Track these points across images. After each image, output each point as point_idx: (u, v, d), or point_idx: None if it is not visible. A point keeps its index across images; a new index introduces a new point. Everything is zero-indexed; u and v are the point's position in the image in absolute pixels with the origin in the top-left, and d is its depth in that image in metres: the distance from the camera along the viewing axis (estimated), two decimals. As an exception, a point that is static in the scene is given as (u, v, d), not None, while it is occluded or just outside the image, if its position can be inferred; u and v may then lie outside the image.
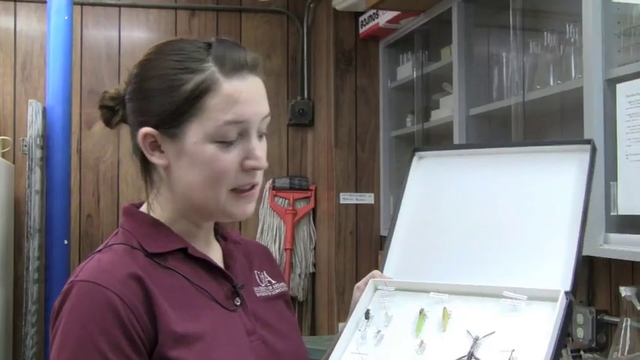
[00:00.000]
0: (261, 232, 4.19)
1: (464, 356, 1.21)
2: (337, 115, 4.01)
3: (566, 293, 1.23)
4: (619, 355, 1.94)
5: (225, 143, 1.16)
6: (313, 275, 4.23)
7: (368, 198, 3.95)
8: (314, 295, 4.24)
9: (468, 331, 1.25)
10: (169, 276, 1.18)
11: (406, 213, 1.48)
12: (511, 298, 1.25)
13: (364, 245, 3.97)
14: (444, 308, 1.30)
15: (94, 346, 1.08)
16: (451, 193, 1.46)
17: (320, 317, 4.18)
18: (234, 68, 1.16)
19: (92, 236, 4.00)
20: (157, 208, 1.24)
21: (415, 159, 1.53)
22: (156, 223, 1.23)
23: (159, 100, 1.16)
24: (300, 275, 4.18)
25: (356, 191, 3.97)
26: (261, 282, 1.32)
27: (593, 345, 2.30)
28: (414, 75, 3.56)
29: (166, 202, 1.23)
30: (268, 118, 1.20)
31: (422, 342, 1.27)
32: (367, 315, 1.35)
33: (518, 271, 1.31)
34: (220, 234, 1.33)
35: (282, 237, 4.18)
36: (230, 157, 1.16)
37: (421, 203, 1.48)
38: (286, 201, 4.20)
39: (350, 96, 4.02)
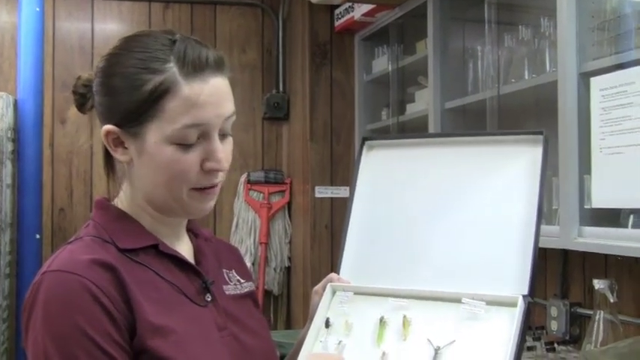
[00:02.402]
0: (236, 226, 4.16)
1: None
2: (312, 109, 3.99)
3: (524, 297, 1.22)
4: (592, 348, 1.95)
5: (184, 145, 1.15)
6: (288, 269, 4.22)
7: (343, 192, 3.94)
8: (289, 289, 4.22)
9: (429, 341, 1.24)
10: (141, 271, 1.17)
11: (359, 209, 1.46)
12: (470, 304, 1.24)
13: (340, 239, 3.94)
14: (404, 316, 1.29)
15: (84, 335, 1.07)
16: (403, 187, 1.44)
17: (295, 311, 4.17)
18: (195, 69, 1.14)
19: (65, 230, 3.95)
20: (125, 203, 1.24)
21: (365, 149, 1.50)
22: (128, 219, 1.22)
23: (121, 98, 1.16)
24: (275, 269, 4.16)
25: (331, 185, 3.96)
26: (230, 281, 1.32)
27: (567, 337, 2.31)
28: (390, 68, 3.56)
29: (131, 198, 1.23)
30: (233, 118, 1.19)
31: (384, 353, 1.26)
32: (327, 323, 1.33)
33: (475, 272, 1.30)
34: (192, 230, 1.32)
35: (257, 231, 4.15)
36: (190, 159, 1.15)
37: (373, 198, 1.46)
38: (261, 195, 4.18)
39: (325, 89, 4.00)
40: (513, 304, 1.22)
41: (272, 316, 4.17)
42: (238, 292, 1.32)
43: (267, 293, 4.15)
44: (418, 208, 1.40)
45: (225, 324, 1.22)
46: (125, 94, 1.15)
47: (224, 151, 1.18)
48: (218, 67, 1.17)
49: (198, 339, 1.16)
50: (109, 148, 1.20)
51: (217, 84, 1.16)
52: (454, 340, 1.23)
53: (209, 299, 1.23)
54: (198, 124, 1.14)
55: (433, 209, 1.39)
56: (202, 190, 1.19)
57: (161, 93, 1.13)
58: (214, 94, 1.15)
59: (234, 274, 1.34)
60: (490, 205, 1.35)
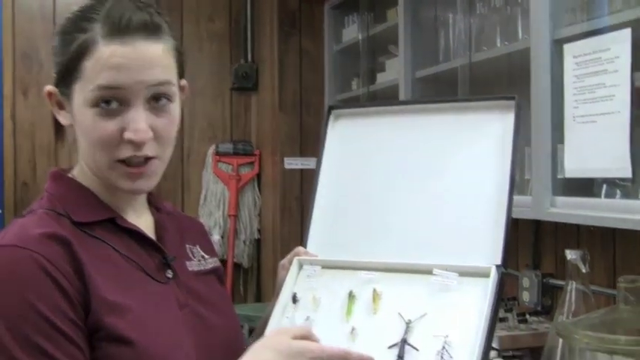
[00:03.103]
0: (205, 199, 4.12)
1: (397, 343, 1.17)
2: (281, 79, 3.95)
3: (497, 267, 1.19)
4: (564, 318, 1.93)
5: (104, 110, 1.10)
6: (258, 242, 4.18)
7: (313, 163, 3.86)
8: (259, 262, 4.19)
9: (400, 314, 1.20)
10: (97, 246, 1.12)
11: (326, 181, 1.42)
12: (441, 276, 1.21)
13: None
14: (374, 289, 1.25)
15: (35, 313, 1.02)
16: (371, 157, 1.40)
17: (265, 284, 4.14)
18: (116, 30, 1.09)
19: (28, 204, 3.85)
20: (81, 174, 1.19)
21: (332, 118, 1.46)
22: (83, 191, 1.17)
23: (56, 58, 1.14)
24: (244, 242, 4.13)
25: (301, 156, 3.94)
26: (193, 256, 1.28)
27: (539, 308, 2.30)
28: (360, 37, 3.50)
29: (83, 168, 1.18)
30: (166, 87, 1.13)
31: (353, 328, 1.22)
32: (294, 299, 1.29)
33: (447, 243, 1.27)
34: (153, 204, 1.26)
35: (226, 203, 4.11)
36: (109, 127, 1.10)
37: (340, 169, 1.42)
38: (230, 166, 4.13)
39: (294, 59, 3.95)
40: (486, 275, 1.18)
41: (242, 289, 4.15)
42: (202, 268, 1.27)
43: (237, 266, 4.12)
44: (387, 179, 1.36)
45: (187, 301, 1.18)
46: (59, 54, 1.14)
47: (151, 122, 1.12)
48: (148, 31, 1.11)
49: (157, 317, 1.11)
50: (54, 111, 1.18)
51: (143, 49, 1.10)
52: (426, 313, 1.19)
53: (170, 276, 1.18)
54: (113, 87, 1.09)
55: (403, 179, 1.35)
56: (128, 165, 1.13)
57: (82, 52, 1.09)
58: (136, 59, 1.09)
59: (198, 249, 1.30)
60: (461, 174, 1.31)
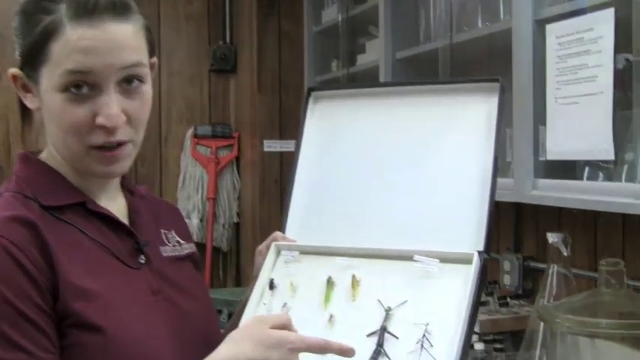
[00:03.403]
0: (183, 182, 4.09)
1: (376, 331, 1.14)
2: (260, 61, 3.91)
3: (480, 253, 1.16)
4: (545, 302, 1.91)
5: (74, 95, 1.06)
6: (237, 225, 4.16)
7: (293, 145, 3.85)
8: (238, 246, 4.17)
9: (380, 301, 1.17)
10: (67, 231, 1.08)
11: (305, 164, 1.39)
12: (422, 262, 1.18)
13: (289, 194, 3.90)
14: (353, 276, 1.22)
15: (1, 298, 0.98)
16: (352, 140, 1.36)
17: (244, 268, 4.11)
18: (83, 11, 1.04)
19: (3, 188, 3.79)
20: (50, 157, 1.15)
21: (311, 100, 1.42)
22: (53, 173, 1.13)
23: (19, 40, 1.10)
24: (223, 225, 4.10)
25: (280, 139, 3.91)
26: (168, 242, 1.24)
27: (520, 292, 2.28)
28: (339, 18, 3.45)
29: (52, 151, 1.14)
30: (137, 69, 1.09)
31: (331, 315, 1.20)
32: (271, 285, 1.26)
33: (428, 228, 1.24)
34: (127, 187, 1.22)
35: (205, 186, 4.08)
36: (80, 112, 1.06)
37: (320, 152, 1.38)
38: (208, 149, 4.09)
39: (273, 40, 3.91)
40: (468, 261, 1.15)
41: (221, 273, 4.12)
42: (177, 253, 1.24)
43: (216, 250, 4.09)
44: (368, 163, 1.33)
45: (161, 288, 1.14)
46: (22, 36, 1.09)
47: (123, 105, 1.08)
48: (117, 11, 1.06)
49: (129, 303, 1.08)
50: (19, 94, 1.13)
51: (112, 30, 1.06)
52: (406, 301, 1.16)
53: (143, 261, 1.14)
54: (82, 72, 1.05)
55: (383, 163, 1.32)
56: (103, 149, 1.09)
57: (48, 34, 1.05)
58: (105, 41, 1.05)
59: (174, 234, 1.26)
60: (444, 158, 1.28)
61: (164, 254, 1.21)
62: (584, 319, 1.63)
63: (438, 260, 1.17)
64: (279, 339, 1.01)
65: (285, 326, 1.05)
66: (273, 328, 1.03)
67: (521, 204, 2.22)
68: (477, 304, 1.13)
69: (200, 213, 4.05)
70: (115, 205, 1.19)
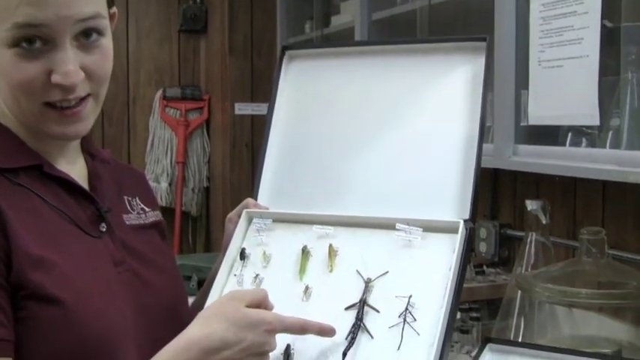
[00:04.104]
0: (152, 145, 4.02)
1: (355, 304, 1.08)
2: (232, 21, 3.84)
3: (466, 222, 1.10)
4: (523, 270, 1.88)
5: (25, 50, 0.97)
6: (207, 190, 4.11)
7: (264, 108, 3.76)
8: (208, 211, 4.12)
9: (359, 272, 1.11)
10: (22, 196, 1.00)
11: (278, 127, 1.31)
12: (405, 231, 1.11)
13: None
14: (330, 245, 1.15)
15: None
16: (328, 103, 1.29)
17: (214, 233, 4.06)
18: None
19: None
20: (2, 117, 1.06)
21: (285, 60, 1.34)
22: (6, 134, 1.05)
23: None
24: (193, 190, 4.05)
25: (252, 101, 3.84)
26: (132, 209, 1.16)
27: (496, 259, 2.25)
28: (313, -23, 3.37)
29: (4, 110, 1.05)
30: (96, 21, 1.00)
31: (307, 287, 1.12)
32: (242, 255, 1.19)
33: (409, 195, 1.17)
34: (87, 151, 1.14)
35: (174, 150, 4.02)
36: (33, 68, 0.97)
37: (294, 114, 1.31)
38: (178, 112, 4.02)
39: (245, 0, 3.80)
40: (454, 230, 1.09)
41: (190, 238, 4.08)
42: (141, 222, 1.16)
43: (185, 215, 4.03)
44: (345, 126, 1.26)
45: (123, 258, 1.07)
46: None
47: (81, 61, 0.99)
48: None
49: (89, 274, 1.00)
50: None
51: None
52: (387, 272, 1.10)
53: (104, 229, 1.06)
54: (34, 25, 0.95)
55: (362, 127, 1.25)
56: (59, 109, 1.01)
57: None
58: None
59: (138, 201, 1.18)
60: (426, 120, 1.21)
61: (127, 222, 1.13)
62: (564, 289, 1.60)
63: (421, 229, 1.11)
64: (255, 320, 0.95)
65: (262, 304, 0.98)
66: (249, 306, 0.97)
67: (499, 170, 2.18)
68: (462, 276, 1.07)
69: (169, 177, 3.99)
70: (75, 168, 1.10)
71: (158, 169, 3.99)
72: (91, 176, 1.11)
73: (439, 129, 1.19)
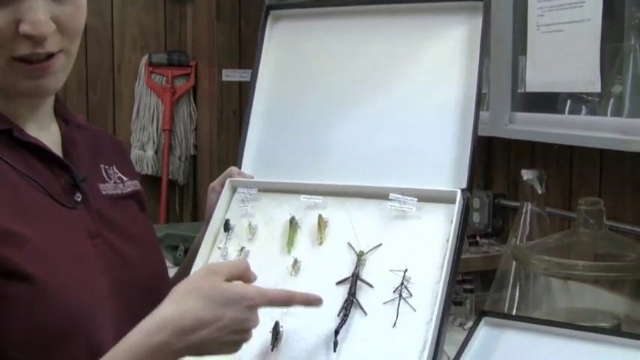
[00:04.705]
0: (137, 112, 3.94)
1: (347, 278, 1.02)
2: (219, -15, 3.75)
3: (463, 191, 1.04)
4: (518, 241, 1.84)
5: None
6: (194, 158, 4.04)
7: (252, 75, 3.72)
8: (195, 179, 4.06)
9: (350, 245, 1.05)
10: None
11: (264, 92, 1.25)
12: (399, 201, 1.05)
13: (248, 126, 3.79)
14: (320, 216, 1.09)
15: None
16: (316, 66, 1.23)
17: (202, 202, 4.00)
18: None
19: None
20: None
21: (270, 20, 1.28)
22: None
23: None
24: (180, 158, 3.98)
25: (239, 68, 3.75)
26: (109, 178, 1.10)
27: (490, 230, 2.21)
28: (303, -61, 3.27)
29: None
30: None
31: (295, 260, 1.07)
32: (226, 226, 1.12)
33: (403, 163, 1.12)
34: (61, 115, 1.07)
35: (160, 117, 3.93)
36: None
37: (279, 79, 1.25)
38: (164, 78, 3.93)
39: (233, -37, 3.74)
40: (451, 200, 1.04)
41: (177, 207, 4.03)
42: (119, 191, 1.09)
43: (172, 183, 3.98)
44: (334, 90, 1.21)
45: (99, 230, 1.00)
46: None
47: (52, 11, 0.93)
48: None
49: (62, 248, 0.94)
50: None
51: None
52: (380, 244, 1.04)
53: (79, 199, 1.00)
54: None
55: (352, 91, 1.19)
56: (28, 62, 0.94)
57: None
58: None
59: (115, 170, 1.12)
60: (420, 85, 1.16)
61: (104, 192, 1.07)
62: (561, 261, 1.57)
63: (416, 199, 1.05)
64: (235, 295, 0.88)
65: (243, 277, 0.92)
66: (229, 280, 0.90)
67: (493, 139, 2.13)
68: (460, 248, 1.02)
69: (155, 145, 3.92)
70: (47, 134, 1.03)
71: (144, 137, 3.92)
72: (65, 142, 1.04)
73: (433, 93, 1.14)
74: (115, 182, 1.09)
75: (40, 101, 1.02)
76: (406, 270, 0.99)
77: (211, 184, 1.18)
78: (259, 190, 1.15)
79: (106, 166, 1.10)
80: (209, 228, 1.13)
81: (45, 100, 1.03)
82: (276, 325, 0.98)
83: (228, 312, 0.87)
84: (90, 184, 1.03)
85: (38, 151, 0.98)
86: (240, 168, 1.20)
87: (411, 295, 0.98)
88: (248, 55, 3.76)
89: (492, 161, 2.29)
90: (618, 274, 1.54)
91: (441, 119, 1.12)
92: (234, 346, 0.90)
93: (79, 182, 1.00)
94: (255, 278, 0.94)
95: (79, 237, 0.97)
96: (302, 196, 1.12)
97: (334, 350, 0.96)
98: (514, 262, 1.73)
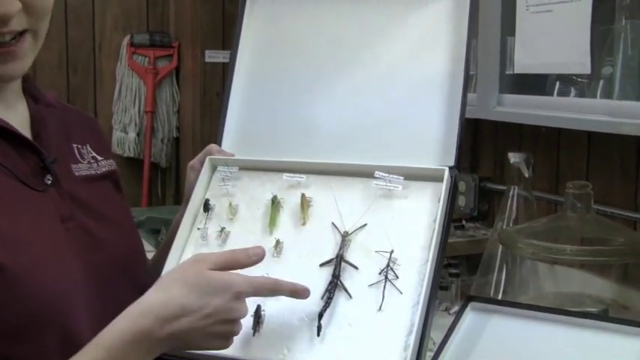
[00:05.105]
0: (119, 94, 3.89)
1: (331, 260, 0.99)
2: (202, -36, 3.70)
3: (451, 169, 1.01)
4: (504, 225, 1.82)
5: None
6: (177, 140, 4.00)
7: (236, 56, 3.68)
8: (178, 162, 4.02)
9: (334, 225, 1.01)
10: None
11: (244, 67, 1.20)
12: (384, 180, 1.02)
13: (231, 108, 3.76)
14: (303, 195, 1.05)
15: None
16: (297, 40, 1.19)
17: (184, 185, 3.95)
18: None
19: None
20: None
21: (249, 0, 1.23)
22: None
23: None
24: (162, 140, 3.93)
25: (223, 49, 3.71)
26: (82, 158, 1.05)
27: (475, 214, 2.19)
28: None
29: None
30: None
31: (278, 241, 1.03)
32: (206, 206, 1.09)
33: (388, 140, 1.08)
34: (30, 93, 1.02)
35: (142, 99, 3.87)
36: None
37: (261, 54, 1.21)
38: (146, 59, 3.87)
39: (217, -58, 3.68)
40: (438, 179, 1.00)
41: (159, 190, 3.98)
42: (93, 172, 1.05)
43: (154, 166, 3.94)
44: (318, 67, 1.17)
45: (72, 213, 0.96)
46: None
47: None
48: None
49: (33, 234, 0.89)
50: None
51: None
52: (366, 224, 1.01)
53: (49, 182, 0.95)
54: None
55: (335, 66, 1.15)
56: None
57: None
58: None
59: (89, 149, 1.07)
60: (406, 60, 1.12)
61: (77, 173, 1.02)
62: (549, 245, 1.55)
63: (402, 177, 1.02)
64: (221, 284, 0.85)
65: (230, 264, 0.88)
66: (214, 268, 0.87)
67: (479, 121, 2.11)
68: (448, 228, 0.99)
69: (137, 127, 3.88)
70: (15, 114, 0.98)
71: (126, 119, 3.87)
72: (34, 122, 1.00)
73: (420, 68, 1.10)
74: (88, 162, 1.05)
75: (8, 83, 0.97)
76: (392, 251, 0.96)
77: (190, 162, 1.14)
78: (240, 169, 1.11)
79: (79, 146, 1.06)
80: (188, 208, 1.09)
81: (13, 82, 0.98)
82: (258, 308, 0.95)
83: (213, 300, 0.84)
84: (61, 166, 0.98)
85: (5, 132, 0.93)
86: (220, 145, 1.16)
87: (397, 278, 0.95)
88: (231, 37, 3.70)
89: (479, 144, 2.27)
90: (606, 258, 1.52)
91: (427, 95, 1.08)
92: (223, 340, 0.87)
93: (49, 164, 0.95)
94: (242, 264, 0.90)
95: (50, 221, 0.93)
96: (284, 174, 1.08)
97: (318, 335, 0.93)
98: (500, 246, 1.72)
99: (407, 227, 0.99)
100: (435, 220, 0.97)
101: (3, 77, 0.94)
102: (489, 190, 2.19)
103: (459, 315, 1.24)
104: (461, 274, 1.91)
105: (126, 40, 3.87)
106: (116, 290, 0.92)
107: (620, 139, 1.59)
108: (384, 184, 1.02)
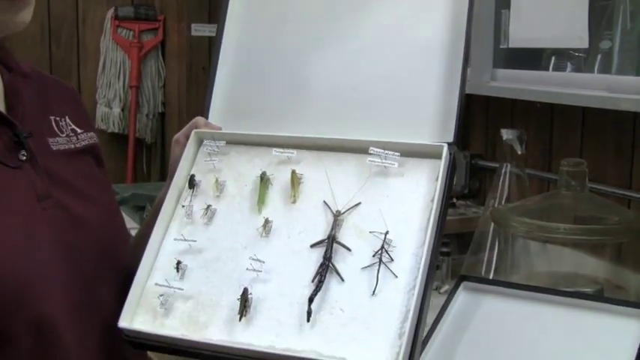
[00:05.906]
0: (103, 68, 3.84)
1: (323, 240, 0.94)
2: None
3: (450, 145, 0.96)
4: (496, 203, 1.78)
5: None
6: (162, 115, 3.95)
7: (223, 30, 3.63)
8: (163, 137, 3.98)
9: (326, 203, 0.97)
10: None
11: (232, 37, 1.14)
12: (379, 156, 0.97)
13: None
14: (293, 171, 1.00)
15: None
16: (287, 7, 1.13)
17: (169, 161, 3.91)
18: None
19: None
20: None
21: None
22: None
23: None
24: (147, 115, 3.88)
25: (210, 22, 3.68)
26: (60, 131, 0.99)
27: (466, 192, 2.15)
28: None
29: None
30: None
31: (266, 220, 0.98)
32: (191, 182, 1.03)
33: (383, 115, 1.03)
34: (3, 62, 0.97)
35: (127, 73, 3.82)
36: None
37: (250, 23, 1.14)
38: (131, 32, 3.81)
39: None
40: (436, 155, 0.95)
41: (145, 166, 3.93)
42: (72, 146, 0.99)
43: (139, 142, 3.89)
44: (309, 35, 1.10)
45: (49, 191, 0.91)
46: None
47: None
48: None
49: (6, 213, 0.85)
50: None
51: None
52: (359, 203, 0.96)
53: (24, 157, 0.90)
54: None
55: (329, 36, 1.09)
56: None
57: None
58: None
59: (68, 122, 1.01)
60: (402, 28, 1.06)
61: (54, 147, 0.97)
62: (542, 224, 1.52)
63: (398, 154, 0.97)
64: None
65: None
66: None
67: (471, 97, 2.07)
68: (446, 208, 0.94)
69: (122, 102, 3.82)
70: None
71: (110, 94, 3.81)
72: (8, 94, 0.94)
73: (417, 37, 1.04)
74: (67, 136, 1.00)
75: None
76: (387, 232, 0.92)
77: (175, 136, 1.09)
78: (228, 143, 1.06)
79: (57, 118, 1.00)
80: (172, 184, 1.04)
81: None
82: (245, 292, 0.91)
83: None
84: (38, 140, 0.93)
85: None
86: (207, 118, 1.11)
87: (392, 260, 0.91)
88: (218, 10, 3.65)
89: (470, 120, 2.23)
90: (600, 237, 1.49)
91: (424, 65, 1.03)
92: None
93: (24, 139, 0.90)
94: None
95: (24, 199, 0.88)
96: (274, 149, 1.03)
97: (308, 320, 0.89)
98: (492, 225, 1.69)
99: (403, 207, 0.94)
100: (432, 200, 0.93)
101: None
102: (481, 167, 2.16)
103: (451, 295, 1.21)
104: (451, 252, 1.88)
105: (110, 12, 3.81)
106: (96, 270, 0.88)
107: (615, 115, 1.56)
108: (380, 160, 0.97)
